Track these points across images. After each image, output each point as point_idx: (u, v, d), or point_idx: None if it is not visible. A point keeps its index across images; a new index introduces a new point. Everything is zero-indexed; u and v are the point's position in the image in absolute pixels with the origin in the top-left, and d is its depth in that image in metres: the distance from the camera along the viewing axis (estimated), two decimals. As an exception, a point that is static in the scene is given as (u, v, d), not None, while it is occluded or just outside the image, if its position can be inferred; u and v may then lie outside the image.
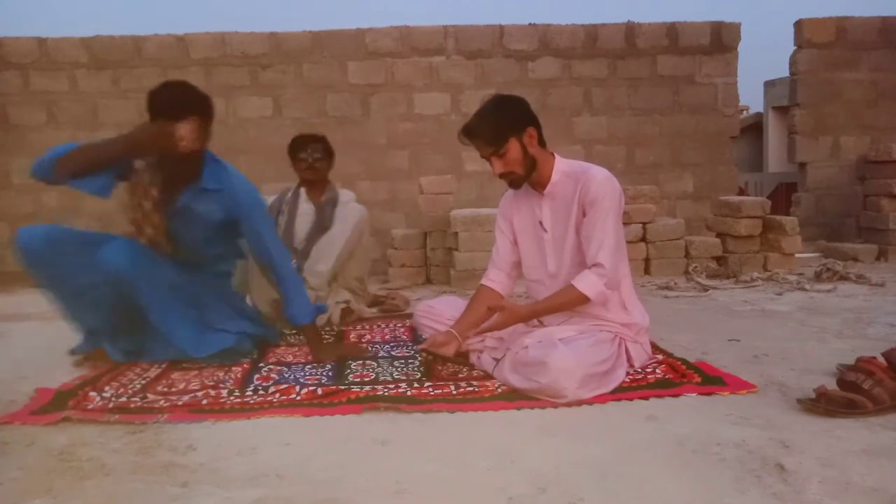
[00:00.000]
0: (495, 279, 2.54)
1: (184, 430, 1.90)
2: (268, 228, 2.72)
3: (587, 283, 2.25)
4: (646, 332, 2.44)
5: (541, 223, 2.44)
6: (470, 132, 2.34)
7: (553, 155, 2.41)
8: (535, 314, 2.37)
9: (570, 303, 2.30)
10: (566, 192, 2.38)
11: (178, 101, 2.47)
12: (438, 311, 2.64)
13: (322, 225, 3.48)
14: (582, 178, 2.34)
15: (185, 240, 2.64)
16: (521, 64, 6.53)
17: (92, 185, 2.44)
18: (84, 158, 2.42)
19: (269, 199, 3.52)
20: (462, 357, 2.39)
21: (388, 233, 5.29)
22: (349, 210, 3.50)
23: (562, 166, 2.40)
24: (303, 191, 3.57)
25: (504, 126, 2.30)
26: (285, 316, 2.69)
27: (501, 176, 2.37)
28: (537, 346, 2.17)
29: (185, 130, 2.43)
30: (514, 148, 2.30)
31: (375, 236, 5.56)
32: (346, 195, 3.62)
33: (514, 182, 2.39)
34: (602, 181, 2.31)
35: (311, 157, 3.50)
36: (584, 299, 2.26)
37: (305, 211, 3.53)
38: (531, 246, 2.50)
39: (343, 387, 2.24)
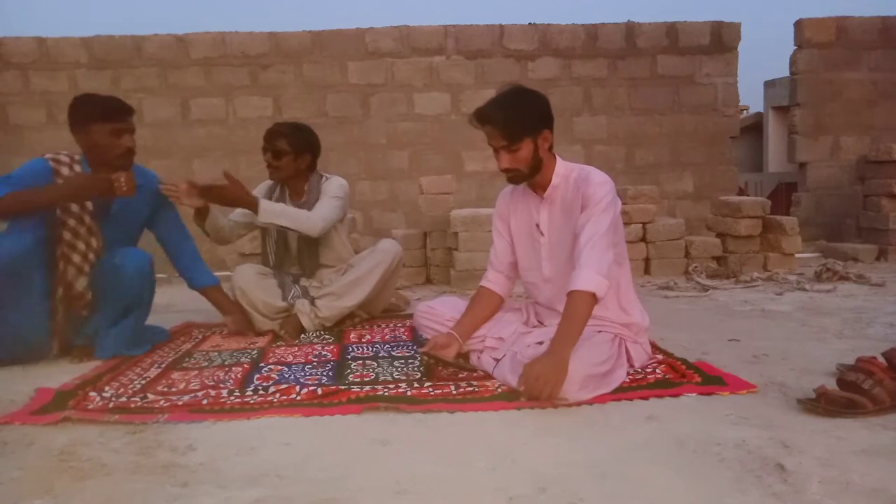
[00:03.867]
0: (494, 280, 2.54)
1: (184, 430, 1.90)
2: (175, 207, 3.01)
3: (583, 281, 2.15)
4: (645, 332, 2.44)
5: (538, 226, 2.43)
6: (487, 119, 2.27)
7: (555, 157, 2.39)
8: (571, 343, 2.09)
9: (585, 311, 2.14)
10: (566, 197, 2.36)
11: None
12: (439, 312, 2.64)
13: (303, 240, 3.24)
14: (582, 183, 2.32)
15: (109, 244, 2.74)
16: (521, 64, 6.53)
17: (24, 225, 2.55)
18: (21, 206, 2.49)
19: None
20: (463, 359, 2.39)
21: (388, 233, 5.29)
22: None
23: (562, 170, 2.38)
24: (287, 192, 3.33)
25: (524, 124, 2.25)
26: (193, 281, 3.05)
27: (505, 171, 2.33)
28: (537, 348, 2.16)
29: (125, 179, 2.55)
30: (526, 147, 2.27)
31: (374, 235, 5.57)
32: (333, 186, 3.28)
33: (516, 179, 2.36)
34: (600, 183, 2.29)
35: (269, 153, 3.21)
36: (592, 297, 2.14)
37: None
38: (527, 248, 2.49)
39: (343, 387, 2.24)
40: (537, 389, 1.99)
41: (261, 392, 2.21)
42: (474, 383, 2.23)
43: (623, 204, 4.83)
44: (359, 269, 3.20)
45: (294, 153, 3.22)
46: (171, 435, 1.86)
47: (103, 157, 2.66)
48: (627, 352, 2.32)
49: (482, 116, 2.27)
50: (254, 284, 3.12)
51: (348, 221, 4.69)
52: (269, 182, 3.41)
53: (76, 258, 2.63)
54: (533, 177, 2.34)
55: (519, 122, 2.24)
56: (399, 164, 6.57)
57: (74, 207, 2.62)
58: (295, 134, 3.24)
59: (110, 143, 2.65)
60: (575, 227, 2.31)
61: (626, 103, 6.64)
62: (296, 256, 3.32)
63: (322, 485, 1.54)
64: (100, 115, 2.64)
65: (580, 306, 2.15)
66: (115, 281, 2.67)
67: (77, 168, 2.67)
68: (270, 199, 3.30)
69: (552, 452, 1.69)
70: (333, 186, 3.28)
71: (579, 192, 2.31)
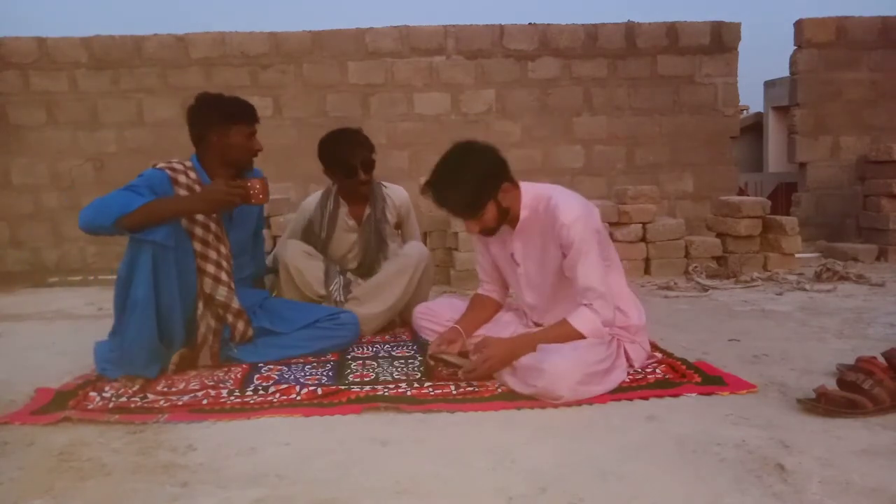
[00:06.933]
0: (489, 290, 2.56)
1: (184, 430, 1.90)
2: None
3: (582, 321, 2.20)
4: (643, 330, 2.43)
5: (512, 256, 2.40)
6: (443, 202, 2.23)
7: (519, 189, 2.30)
8: (532, 347, 2.15)
9: (563, 338, 2.18)
10: (535, 226, 2.31)
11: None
12: (438, 313, 2.64)
13: (371, 249, 3.12)
14: (551, 213, 2.25)
15: (234, 245, 2.64)
16: (521, 64, 6.53)
17: (156, 235, 2.31)
18: (152, 218, 2.30)
19: (304, 210, 3.25)
20: (464, 356, 2.39)
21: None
22: (408, 250, 3.07)
23: (529, 200, 2.30)
24: (344, 203, 3.14)
25: (481, 196, 2.19)
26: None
27: (477, 233, 2.30)
28: (532, 355, 2.14)
29: (260, 186, 2.46)
30: (490, 210, 2.22)
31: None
32: (406, 201, 3.25)
33: (489, 233, 2.32)
34: (570, 224, 2.21)
35: (363, 170, 3.03)
36: (579, 336, 2.19)
37: (346, 227, 3.15)
38: (509, 275, 2.49)
39: (343, 387, 2.24)
40: (477, 363, 2.17)
41: (261, 392, 2.21)
42: (474, 383, 2.23)
43: (623, 204, 4.86)
44: (382, 275, 3.05)
45: (375, 161, 3.12)
46: (171, 435, 1.86)
47: (232, 157, 2.59)
48: (626, 352, 2.32)
49: (436, 200, 2.23)
50: (300, 261, 2.99)
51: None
52: (315, 196, 3.24)
53: (210, 268, 2.50)
54: (503, 224, 2.31)
55: (476, 197, 2.19)
56: (399, 164, 6.56)
57: (199, 216, 2.49)
58: (368, 140, 3.10)
59: (245, 146, 2.60)
60: (553, 258, 2.29)
61: (626, 103, 6.63)
62: (357, 256, 3.19)
63: (322, 485, 1.54)
64: (242, 118, 2.60)
65: (566, 334, 2.19)
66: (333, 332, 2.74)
67: (192, 175, 2.53)
68: (324, 212, 3.16)
69: (552, 452, 1.69)
70: (409, 204, 3.29)
71: (551, 226, 2.25)
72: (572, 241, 2.21)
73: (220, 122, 2.57)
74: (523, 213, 2.30)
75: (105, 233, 2.33)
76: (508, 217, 2.31)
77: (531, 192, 2.32)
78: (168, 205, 2.37)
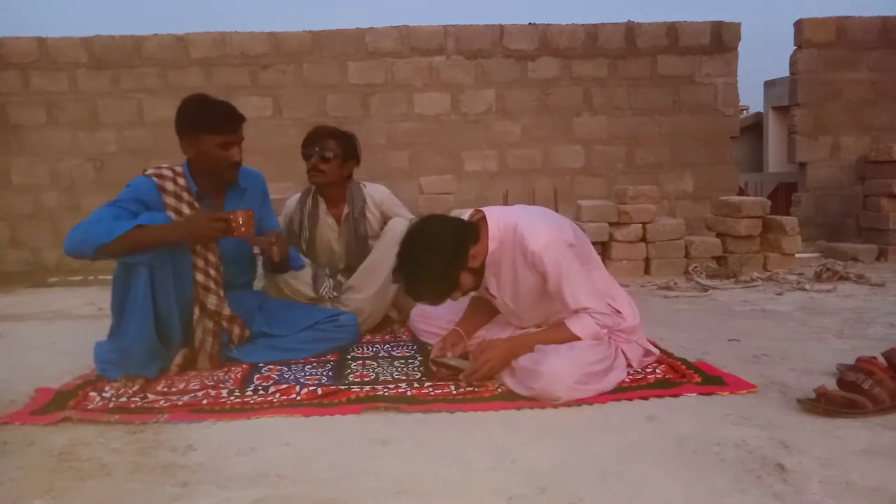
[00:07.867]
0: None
1: (184, 430, 1.90)
2: (271, 206, 2.88)
3: (580, 325, 2.19)
4: (638, 328, 2.42)
5: (487, 290, 2.38)
6: (418, 299, 2.32)
7: (486, 225, 2.26)
8: (530, 347, 2.18)
9: (561, 339, 2.19)
10: (504, 257, 2.28)
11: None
12: (436, 315, 2.63)
13: (352, 249, 3.12)
14: (519, 243, 2.21)
15: (229, 252, 2.60)
16: (520, 64, 6.53)
17: (141, 257, 2.31)
18: (132, 247, 2.29)
19: (286, 209, 3.27)
20: (465, 359, 2.39)
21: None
22: (393, 226, 3.00)
23: (494, 231, 2.25)
24: (322, 202, 3.17)
25: (450, 278, 2.16)
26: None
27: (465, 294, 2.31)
28: (529, 356, 2.14)
29: (243, 219, 2.40)
30: (465, 278, 2.20)
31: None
32: (389, 197, 3.22)
33: (475, 289, 2.31)
34: (541, 251, 2.17)
35: (317, 155, 3.06)
36: (577, 338, 2.19)
37: (327, 226, 3.17)
38: (492, 301, 2.47)
39: (343, 387, 2.24)
40: (478, 365, 2.17)
41: (261, 392, 2.21)
42: (474, 383, 2.23)
43: (623, 204, 4.86)
44: (370, 257, 3.04)
45: (342, 157, 3.09)
46: (171, 435, 1.86)
47: (209, 167, 2.52)
48: (624, 353, 2.31)
49: (411, 297, 2.31)
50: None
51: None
52: (297, 196, 3.27)
53: (199, 276, 2.46)
54: (483, 274, 2.28)
55: (444, 283, 2.17)
56: (399, 164, 6.56)
57: None
58: (344, 137, 3.11)
59: (218, 156, 2.50)
60: (528, 286, 2.27)
61: (626, 103, 6.63)
62: (343, 257, 3.20)
63: (322, 485, 1.54)
64: (210, 127, 2.48)
65: (564, 336, 2.19)
66: (334, 334, 2.71)
67: (181, 181, 2.48)
68: (303, 210, 3.18)
69: (552, 452, 1.69)
70: (391, 199, 3.23)
71: (522, 255, 2.23)
72: (547, 268, 2.18)
73: (188, 130, 2.50)
74: (491, 246, 2.25)
75: (89, 259, 2.33)
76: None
77: (497, 223, 2.26)
78: (147, 236, 2.31)
